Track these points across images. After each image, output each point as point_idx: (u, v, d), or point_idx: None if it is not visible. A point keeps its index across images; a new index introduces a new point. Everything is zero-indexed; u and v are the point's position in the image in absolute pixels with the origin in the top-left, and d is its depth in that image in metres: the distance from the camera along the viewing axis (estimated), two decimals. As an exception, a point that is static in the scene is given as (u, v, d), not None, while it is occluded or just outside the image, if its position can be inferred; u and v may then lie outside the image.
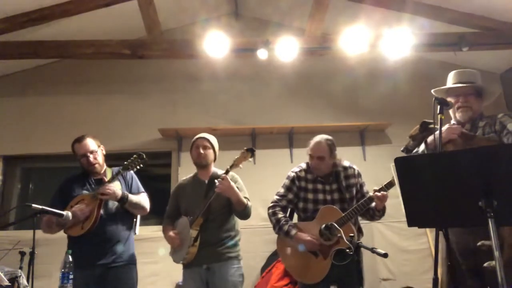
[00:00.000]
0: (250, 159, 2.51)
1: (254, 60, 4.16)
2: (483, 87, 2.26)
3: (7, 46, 3.88)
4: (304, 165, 2.77)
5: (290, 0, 4.38)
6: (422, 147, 2.20)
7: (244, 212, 2.57)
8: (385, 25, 4.02)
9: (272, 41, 3.94)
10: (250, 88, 4.70)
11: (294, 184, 2.70)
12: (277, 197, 2.71)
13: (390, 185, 2.49)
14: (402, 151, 2.35)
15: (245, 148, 2.51)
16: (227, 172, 2.51)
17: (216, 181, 2.49)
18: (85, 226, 2.49)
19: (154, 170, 4.84)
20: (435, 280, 1.77)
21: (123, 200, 2.55)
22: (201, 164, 2.71)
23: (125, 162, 2.61)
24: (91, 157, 2.63)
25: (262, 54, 3.96)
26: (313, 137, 2.71)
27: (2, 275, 2.52)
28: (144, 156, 2.60)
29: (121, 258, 2.56)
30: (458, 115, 2.22)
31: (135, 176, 2.80)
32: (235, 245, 2.63)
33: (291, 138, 4.59)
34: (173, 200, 2.82)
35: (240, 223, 2.73)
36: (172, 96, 4.70)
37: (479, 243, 1.84)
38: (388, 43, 3.96)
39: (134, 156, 2.60)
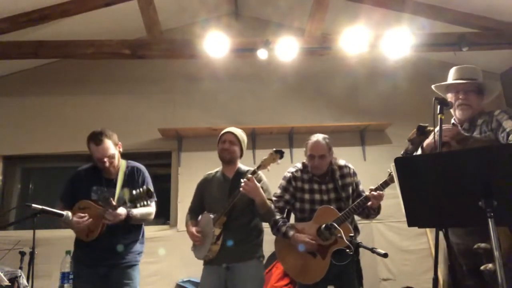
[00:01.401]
0: (279, 162, 2.41)
1: (254, 60, 4.16)
2: (485, 84, 2.19)
3: (7, 46, 3.88)
4: (300, 165, 2.76)
5: (290, 0, 4.38)
6: (419, 151, 2.17)
7: (267, 215, 2.51)
8: (385, 25, 4.02)
9: (272, 41, 3.94)
10: (250, 88, 4.70)
11: (291, 185, 2.70)
12: (274, 198, 2.70)
13: (385, 184, 2.50)
14: (402, 155, 2.34)
15: (273, 149, 2.42)
16: (254, 173, 2.43)
17: (242, 180, 2.41)
18: (90, 236, 2.46)
19: (154, 170, 4.83)
20: (435, 280, 1.77)
21: (126, 220, 2.48)
22: (225, 159, 2.65)
23: (134, 192, 2.36)
24: (107, 162, 2.53)
25: (262, 54, 3.96)
26: (309, 137, 2.71)
27: (2, 275, 2.53)
28: (153, 195, 2.41)
29: (126, 259, 2.54)
30: (457, 113, 2.17)
31: (148, 179, 2.68)
32: (257, 245, 2.58)
33: (291, 138, 4.59)
34: (197, 194, 2.77)
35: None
36: (172, 96, 4.70)
37: (475, 246, 1.83)
38: (388, 43, 3.96)
39: (144, 190, 2.35)
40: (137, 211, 2.50)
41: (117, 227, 2.48)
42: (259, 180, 2.52)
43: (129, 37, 4.19)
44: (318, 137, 2.67)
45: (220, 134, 2.70)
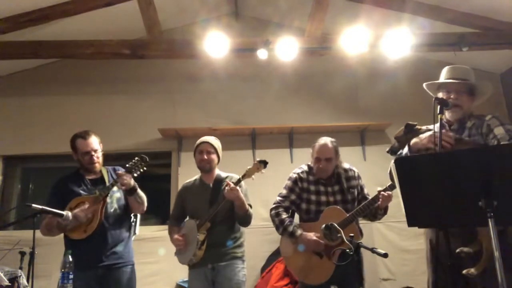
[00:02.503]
0: (263, 171, 2.52)
1: (254, 60, 4.16)
2: (476, 85, 2.16)
3: (7, 46, 3.88)
4: (305, 167, 2.76)
5: (290, 0, 4.38)
6: (405, 149, 2.14)
7: (245, 218, 2.60)
8: (385, 25, 4.02)
9: (272, 41, 3.94)
10: (250, 88, 4.70)
11: (297, 185, 2.70)
12: (280, 198, 2.71)
13: (393, 186, 2.49)
14: (388, 152, 2.32)
15: (257, 159, 2.53)
16: (238, 181, 2.53)
17: (225, 188, 2.50)
18: (88, 229, 2.45)
19: (154, 170, 4.84)
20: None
21: (134, 188, 2.53)
22: (205, 169, 2.75)
23: (127, 165, 2.55)
24: (94, 155, 2.59)
25: (262, 54, 3.96)
26: (316, 139, 2.71)
27: (2, 275, 2.53)
28: (147, 159, 2.57)
29: (122, 259, 2.55)
30: (447, 113, 2.13)
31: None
32: (240, 246, 2.68)
33: (291, 138, 4.59)
34: (178, 202, 2.86)
35: None
36: (172, 96, 4.70)
37: (458, 250, 1.83)
38: (388, 43, 3.96)
39: (136, 158, 2.55)
40: (139, 190, 2.60)
41: (112, 218, 2.54)
42: (239, 186, 2.61)
43: (129, 37, 4.19)
44: (326, 140, 2.68)
45: (195, 145, 2.78)
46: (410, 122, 2.16)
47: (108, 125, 4.47)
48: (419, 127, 2.11)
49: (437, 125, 1.90)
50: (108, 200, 2.56)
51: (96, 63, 4.55)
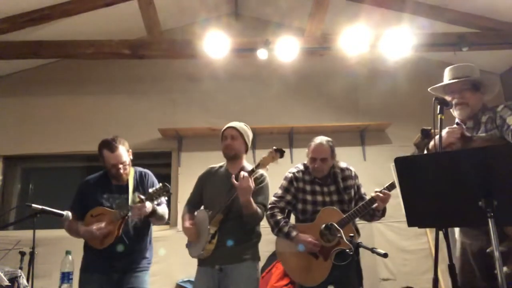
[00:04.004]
0: (278, 161, 2.27)
1: (254, 60, 4.15)
2: (479, 80, 2.14)
3: (7, 46, 3.88)
4: (301, 166, 2.74)
5: (290, 0, 4.38)
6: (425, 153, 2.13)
7: (250, 218, 2.35)
8: (385, 25, 4.02)
9: (272, 41, 3.94)
10: (250, 88, 4.70)
11: (292, 185, 2.67)
12: (275, 199, 2.67)
13: (392, 186, 2.47)
14: None
15: (274, 147, 2.27)
16: (252, 171, 2.31)
17: (241, 173, 2.28)
18: (105, 243, 2.45)
19: (154, 170, 4.82)
20: (435, 280, 1.77)
21: (152, 212, 2.47)
22: (229, 155, 2.52)
23: (150, 191, 2.42)
24: (121, 168, 2.54)
25: (262, 54, 3.96)
26: (312, 139, 2.68)
27: (2, 275, 2.52)
28: (170, 188, 2.43)
29: (138, 264, 2.54)
30: (456, 113, 2.13)
31: (156, 182, 2.71)
32: (253, 246, 2.45)
33: (291, 138, 4.58)
34: (198, 186, 2.66)
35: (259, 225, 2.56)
36: (172, 96, 4.70)
37: (488, 250, 1.78)
38: (388, 43, 3.96)
39: (160, 186, 2.42)
40: (159, 208, 2.54)
41: (130, 233, 2.51)
42: (262, 181, 2.44)
43: (129, 37, 4.19)
44: (322, 139, 2.64)
45: (222, 130, 2.60)
46: (425, 127, 2.13)
47: (108, 125, 4.47)
48: (433, 130, 2.10)
49: (450, 127, 1.90)
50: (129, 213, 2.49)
51: (96, 63, 4.55)
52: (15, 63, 4.40)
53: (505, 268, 1.78)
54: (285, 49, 3.95)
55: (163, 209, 2.61)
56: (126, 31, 4.24)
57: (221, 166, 2.64)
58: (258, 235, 2.52)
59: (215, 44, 3.88)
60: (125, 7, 3.93)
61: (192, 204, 2.63)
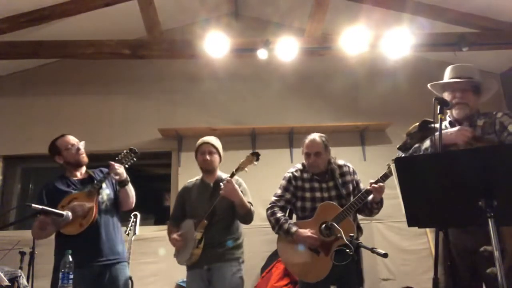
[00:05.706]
0: (256, 163, 2.54)
1: (254, 60, 4.16)
2: (481, 83, 2.17)
3: (7, 46, 3.88)
4: (299, 166, 2.79)
5: (290, 0, 4.38)
6: (427, 143, 2.12)
7: (247, 216, 2.61)
8: (385, 25, 4.02)
9: (272, 41, 3.94)
10: (250, 88, 4.71)
11: (291, 184, 2.72)
12: (275, 198, 2.73)
13: (385, 176, 2.53)
14: (399, 148, 2.31)
15: (250, 152, 2.56)
16: (232, 175, 2.55)
17: (220, 184, 2.54)
18: (85, 222, 2.42)
19: (154, 170, 4.85)
20: (435, 280, 1.77)
21: (127, 180, 2.55)
22: (208, 169, 2.76)
23: (117, 158, 2.56)
24: (81, 148, 2.61)
25: (262, 54, 3.96)
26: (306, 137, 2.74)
27: (2, 275, 2.52)
28: (136, 150, 2.59)
29: (118, 255, 2.55)
30: (454, 112, 2.14)
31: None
32: (238, 247, 2.66)
33: (291, 138, 4.58)
34: (178, 202, 2.85)
35: (243, 225, 2.74)
36: (172, 96, 4.70)
37: (481, 249, 1.80)
38: (388, 43, 3.96)
39: (126, 151, 2.58)
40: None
41: (104, 212, 2.53)
42: (239, 185, 2.63)
43: (129, 37, 4.19)
44: (315, 135, 2.72)
45: (196, 146, 2.79)
46: (427, 119, 2.15)
47: (108, 125, 4.47)
48: (433, 125, 2.10)
49: (444, 123, 1.90)
50: (99, 197, 2.55)
51: (96, 63, 4.55)
52: (15, 63, 4.40)
53: (495, 269, 1.79)
54: (285, 49, 3.96)
55: (132, 188, 2.67)
56: (126, 31, 4.24)
57: (196, 180, 2.86)
58: (241, 236, 2.72)
59: (215, 44, 3.88)
60: (125, 7, 3.93)
61: (175, 219, 2.81)
